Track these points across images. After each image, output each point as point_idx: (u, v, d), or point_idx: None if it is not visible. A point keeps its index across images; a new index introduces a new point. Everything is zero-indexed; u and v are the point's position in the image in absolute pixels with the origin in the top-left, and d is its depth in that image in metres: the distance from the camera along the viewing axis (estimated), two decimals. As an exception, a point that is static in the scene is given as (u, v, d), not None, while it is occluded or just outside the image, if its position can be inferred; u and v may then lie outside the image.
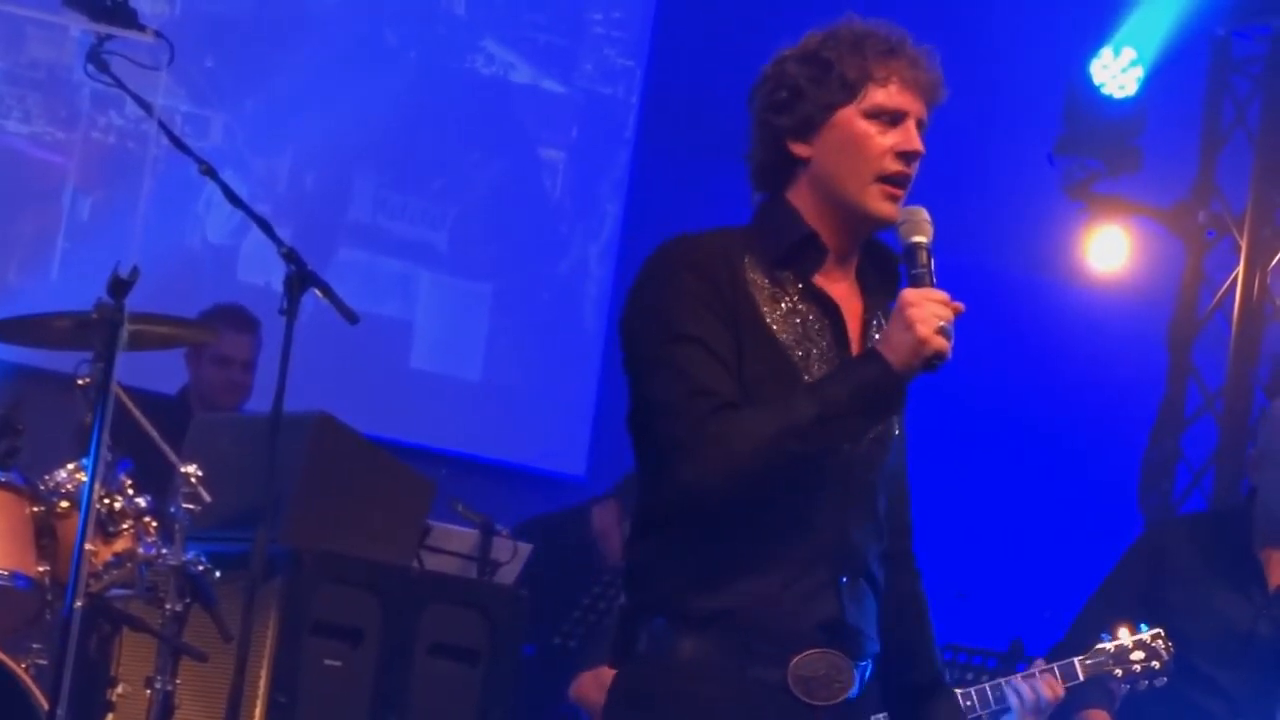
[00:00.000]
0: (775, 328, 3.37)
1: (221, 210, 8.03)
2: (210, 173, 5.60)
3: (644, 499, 3.44)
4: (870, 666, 3.45)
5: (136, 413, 5.44)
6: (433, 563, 6.20)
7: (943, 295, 3.29)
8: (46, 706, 5.03)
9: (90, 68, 5.71)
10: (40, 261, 8.33)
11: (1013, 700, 5.71)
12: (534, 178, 9.29)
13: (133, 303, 5.17)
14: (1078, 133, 8.95)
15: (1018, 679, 5.73)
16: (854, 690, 3.40)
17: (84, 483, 5.12)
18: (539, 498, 8.42)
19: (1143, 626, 5.75)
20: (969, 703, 5.74)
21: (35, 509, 5.35)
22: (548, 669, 6.80)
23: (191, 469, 5.37)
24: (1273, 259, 8.98)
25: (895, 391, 3.30)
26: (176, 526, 5.32)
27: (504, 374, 9.16)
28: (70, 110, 8.42)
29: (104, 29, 5.71)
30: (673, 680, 3.35)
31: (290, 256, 5.42)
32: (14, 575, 5.27)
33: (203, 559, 5.30)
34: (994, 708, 5.73)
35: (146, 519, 5.40)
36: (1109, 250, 9.35)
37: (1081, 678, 5.72)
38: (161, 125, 5.92)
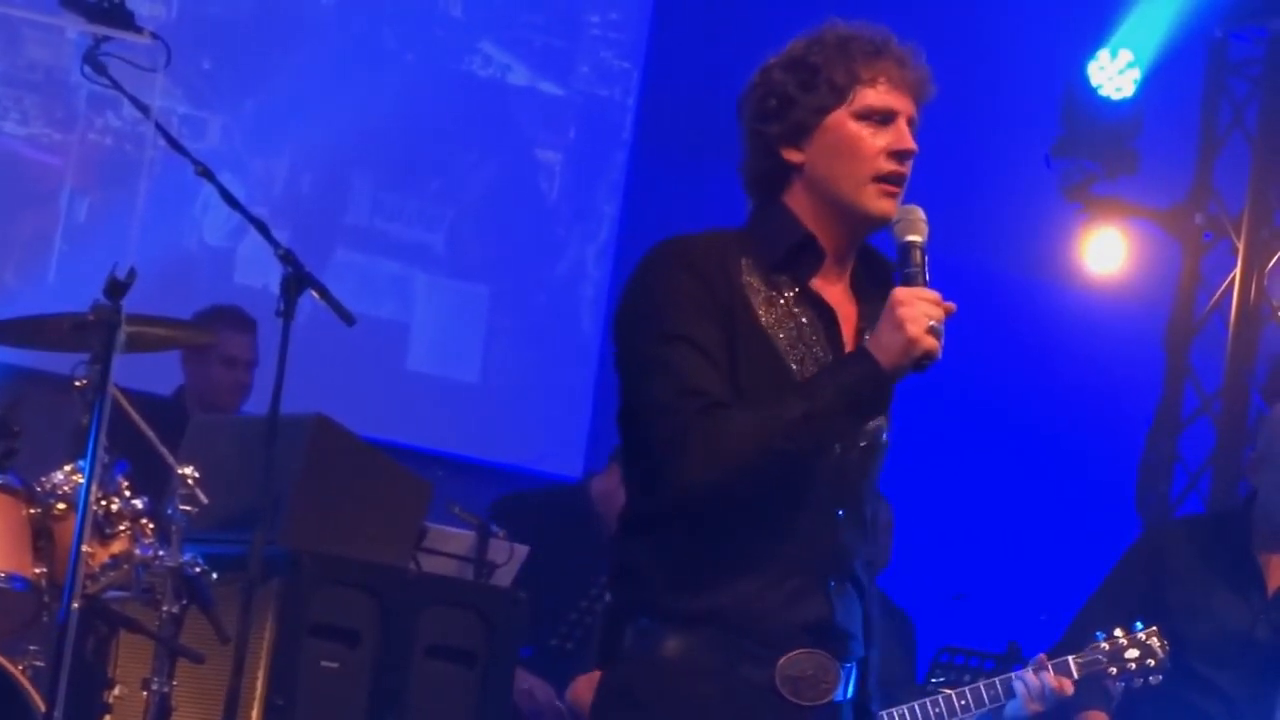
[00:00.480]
0: (770, 331, 3.37)
1: (219, 212, 8.04)
2: (207, 174, 5.59)
3: (632, 497, 3.43)
4: (855, 670, 3.43)
5: (134, 414, 5.43)
6: (429, 564, 6.19)
7: (934, 295, 3.28)
8: (43, 708, 5.02)
9: (87, 69, 5.70)
10: (37, 263, 8.32)
11: (1019, 689, 5.73)
12: (531, 179, 9.29)
13: (130, 304, 5.17)
14: (1075, 135, 8.93)
15: (1027, 672, 5.74)
16: (840, 692, 3.39)
17: (81, 484, 5.12)
18: (537, 498, 8.40)
19: (1138, 624, 5.75)
20: (964, 701, 5.76)
21: (32, 511, 5.34)
22: (545, 671, 6.79)
23: (188, 471, 5.36)
24: (1270, 261, 8.97)
25: (883, 390, 3.29)
26: (173, 528, 5.31)
27: (501, 376, 9.15)
28: (67, 112, 8.41)
29: (101, 30, 5.70)
30: (659, 679, 3.34)
31: (287, 258, 5.41)
32: (11, 577, 5.26)
33: (200, 561, 5.29)
34: (989, 706, 5.74)
35: (143, 521, 5.38)
36: (1106, 252, 9.33)
37: (1076, 676, 5.73)
38: (158, 127, 5.90)
